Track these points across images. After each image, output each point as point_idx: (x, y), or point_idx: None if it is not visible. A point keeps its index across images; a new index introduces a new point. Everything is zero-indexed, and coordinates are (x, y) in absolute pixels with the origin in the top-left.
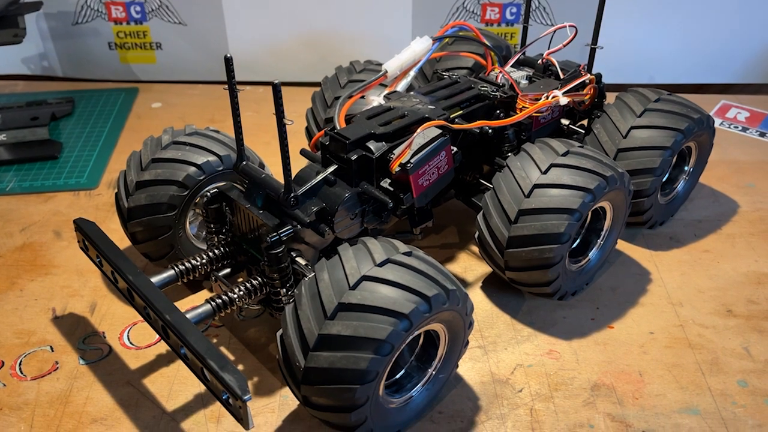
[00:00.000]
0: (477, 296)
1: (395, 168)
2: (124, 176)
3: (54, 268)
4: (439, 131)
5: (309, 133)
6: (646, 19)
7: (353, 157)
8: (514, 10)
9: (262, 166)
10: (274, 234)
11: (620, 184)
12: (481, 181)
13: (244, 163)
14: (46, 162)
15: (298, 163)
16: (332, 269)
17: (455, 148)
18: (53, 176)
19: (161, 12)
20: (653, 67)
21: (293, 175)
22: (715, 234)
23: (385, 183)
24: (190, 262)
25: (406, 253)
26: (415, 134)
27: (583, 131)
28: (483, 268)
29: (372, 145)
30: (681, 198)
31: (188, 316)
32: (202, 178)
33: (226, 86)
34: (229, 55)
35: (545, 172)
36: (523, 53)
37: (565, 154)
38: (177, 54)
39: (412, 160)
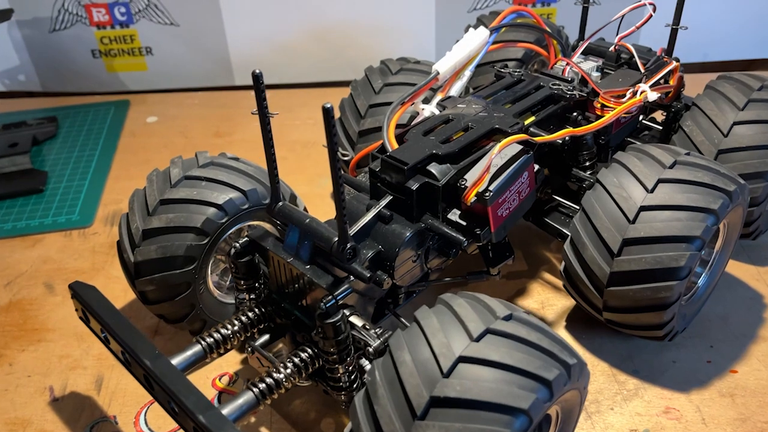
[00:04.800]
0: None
1: (470, 199)
2: (127, 222)
3: (48, 332)
4: (520, 147)
5: None
6: None
7: (414, 187)
8: None
9: (294, 199)
10: (330, 298)
11: (742, 199)
12: (555, 197)
13: (280, 204)
14: (30, 197)
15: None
16: (414, 347)
17: (537, 166)
18: (39, 214)
19: (149, 12)
20: (706, 45)
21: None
22: None
23: (454, 215)
24: (219, 332)
25: (506, 318)
26: (493, 155)
27: (658, 126)
28: (563, 301)
29: (435, 169)
30: None
31: (226, 411)
32: (224, 220)
33: (254, 111)
34: (258, 71)
35: (652, 191)
36: (590, 39)
37: (672, 166)
38: (170, 59)
39: (491, 188)
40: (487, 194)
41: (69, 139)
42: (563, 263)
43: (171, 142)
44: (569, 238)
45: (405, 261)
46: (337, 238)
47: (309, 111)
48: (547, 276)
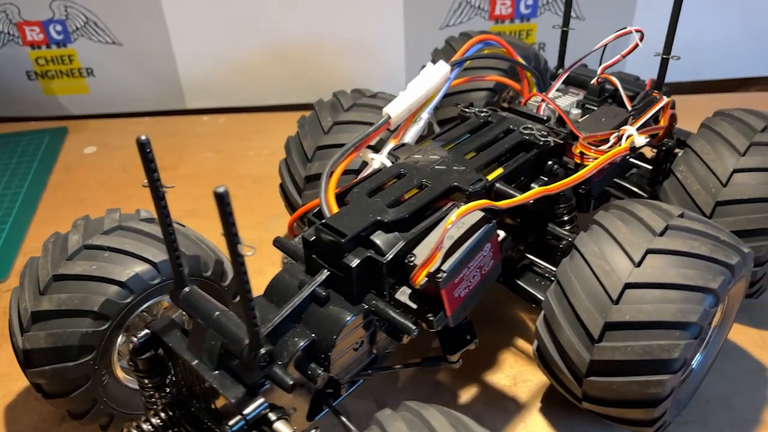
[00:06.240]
0: (537, 425)
1: (420, 281)
2: (17, 299)
3: None
4: (481, 214)
5: (284, 192)
6: (691, 4)
7: (353, 263)
8: (530, 1)
9: (220, 265)
10: (238, 419)
11: (746, 269)
12: (528, 255)
13: (186, 290)
14: None
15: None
16: None
17: (502, 233)
18: None
19: (88, 30)
20: (699, 63)
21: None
22: None
23: (404, 295)
24: None
25: None
26: (446, 229)
27: (647, 166)
28: (539, 376)
29: (380, 239)
30: None
31: None
32: (129, 300)
33: (144, 183)
34: (144, 138)
35: (639, 264)
36: (570, 71)
37: (664, 232)
38: (114, 81)
39: (444, 268)
40: (439, 275)
41: None
42: (536, 342)
43: (109, 177)
44: (542, 314)
45: (345, 351)
46: (247, 343)
47: (265, 139)
48: (522, 344)
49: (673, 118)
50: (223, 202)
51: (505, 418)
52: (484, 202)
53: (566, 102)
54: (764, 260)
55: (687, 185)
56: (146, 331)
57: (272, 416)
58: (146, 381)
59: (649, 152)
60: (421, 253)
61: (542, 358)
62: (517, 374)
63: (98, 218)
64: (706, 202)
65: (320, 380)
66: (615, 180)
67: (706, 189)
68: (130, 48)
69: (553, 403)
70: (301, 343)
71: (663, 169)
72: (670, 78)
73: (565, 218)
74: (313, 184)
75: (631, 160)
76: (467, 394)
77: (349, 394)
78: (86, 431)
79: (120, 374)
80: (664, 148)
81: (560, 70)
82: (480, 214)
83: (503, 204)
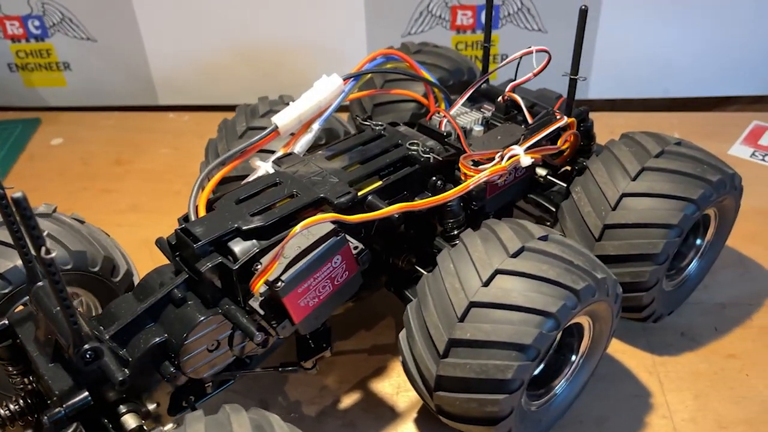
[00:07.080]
0: None
1: (257, 288)
2: None
3: None
4: (331, 226)
5: None
6: (657, 19)
7: (202, 268)
8: (492, 13)
9: (109, 262)
10: (57, 410)
11: (600, 295)
12: (417, 267)
13: (39, 284)
14: None
15: None
16: None
17: (359, 246)
18: None
19: (65, 26)
20: (668, 78)
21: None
22: (744, 327)
23: (256, 302)
24: None
25: None
26: (288, 239)
27: (564, 185)
28: None
29: (237, 246)
30: (694, 281)
31: None
32: (7, 290)
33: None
34: None
35: (487, 283)
36: (480, 85)
37: (517, 254)
38: (90, 75)
39: (283, 277)
40: (278, 284)
41: None
42: (401, 355)
43: (68, 169)
44: (404, 328)
45: (197, 351)
46: (72, 341)
47: None
48: None
49: (577, 138)
50: (20, 206)
51: (378, 426)
52: (331, 215)
53: (470, 118)
54: (649, 285)
55: (580, 207)
56: (3, 321)
57: (122, 408)
58: (9, 368)
59: None
60: (265, 260)
61: (405, 371)
62: (401, 383)
63: None
64: (595, 225)
65: (172, 378)
66: (533, 197)
67: (597, 211)
68: (103, 44)
69: (428, 415)
70: (153, 341)
71: None
72: (635, 94)
73: (454, 233)
74: (225, 188)
75: (550, 178)
76: (349, 399)
77: (216, 394)
78: None
79: None
80: (577, 168)
81: (482, 85)
82: (330, 226)
83: (354, 218)
